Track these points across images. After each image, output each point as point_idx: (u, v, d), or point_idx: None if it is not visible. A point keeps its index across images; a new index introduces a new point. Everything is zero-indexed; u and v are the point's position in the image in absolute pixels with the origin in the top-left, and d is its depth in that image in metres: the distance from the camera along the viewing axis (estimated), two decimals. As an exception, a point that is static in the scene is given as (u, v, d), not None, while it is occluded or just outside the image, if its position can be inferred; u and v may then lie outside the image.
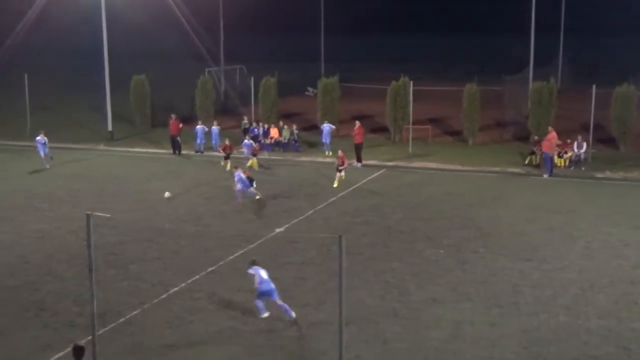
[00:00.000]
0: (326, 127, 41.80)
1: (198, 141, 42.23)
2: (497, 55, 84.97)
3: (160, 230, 27.23)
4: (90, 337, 15.23)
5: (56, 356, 17.57)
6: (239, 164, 31.80)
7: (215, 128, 42.71)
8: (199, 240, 26.32)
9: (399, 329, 19.14)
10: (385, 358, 17.75)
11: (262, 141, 43.19)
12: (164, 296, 21.14)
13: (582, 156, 38.33)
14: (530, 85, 45.88)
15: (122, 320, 19.54)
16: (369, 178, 35.92)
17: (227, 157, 37.24)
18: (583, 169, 37.54)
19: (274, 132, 43.59)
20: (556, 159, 37.49)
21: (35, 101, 49.41)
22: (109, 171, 37.75)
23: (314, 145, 43.38)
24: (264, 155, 40.03)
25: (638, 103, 41.40)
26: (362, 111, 49.17)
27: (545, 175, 35.95)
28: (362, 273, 22.69)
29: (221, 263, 23.80)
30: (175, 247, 25.53)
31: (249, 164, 36.78)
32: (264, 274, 19.69)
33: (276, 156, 40.73)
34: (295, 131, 43.46)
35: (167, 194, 30.40)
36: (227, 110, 54.18)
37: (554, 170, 36.33)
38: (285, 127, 43.79)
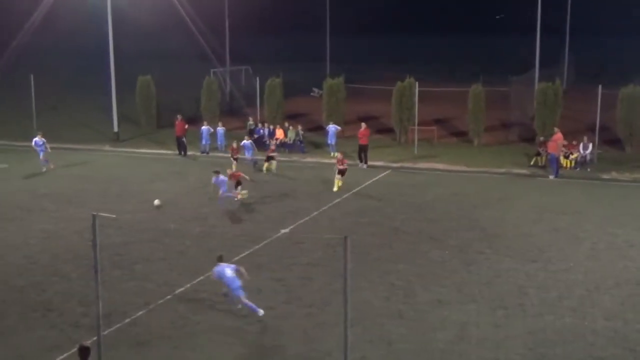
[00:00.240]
0: (332, 128, 41.80)
1: (203, 142, 42.28)
2: (502, 56, 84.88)
3: (165, 231, 27.26)
4: (95, 338, 15.25)
5: (62, 356, 17.59)
6: (220, 168, 31.25)
7: (220, 129, 42.75)
8: (204, 240, 26.34)
9: (404, 330, 19.13)
10: (390, 359, 17.74)
11: (268, 142, 43.20)
12: (169, 297, 21.16)
13: (588, 157, 38.26)
14: (536, 86, 45.81)
15: (127, 320, 19.56)
16: (375, 179, 35.91)
17: (236, 160, 36.73)
18: (589, 170, 37.48)
19: (279, 133, 43.59)
20: (562, 160, 37.43)
21: (41, 102, 49.52)
22: (114, 172, 37.81)
23: (320, 146, 43.41)
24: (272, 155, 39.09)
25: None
26: (367, 112, 49.18)
27: (551, 177, 35.90)
28: (367, 274, 22.68)
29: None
30: (180, 247, 25.56)
31: (265, 167, 36.66)
32: (229, 271, 19.66)
33: (281, 157, 40.69)
34: (301, 132, 43.48)
35: (156, 202, 29.38)
36: (232, 111, 54.22)
37: (560, 171, 36.27)
38: (291, 128, 43.81)
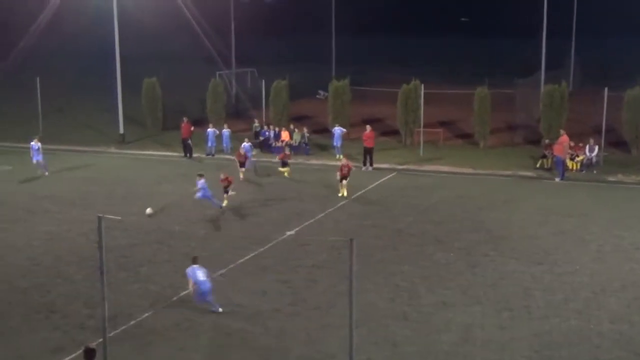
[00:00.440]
0: (337, 130, 41.76)
1: (209, 144, 42.26)
2: (507, 58, 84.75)
3: (170, 233, 27.30)
4: (100, 340, 15.24)
5: (67, 358, 17.60)
6: (203, 172, 30.53)
7: (225, 131, 42.75)
8: (210, 242, 26.36)
9: (409, 332, 19.10)
10: (395, 361, 17.73)
11: (273, 144, 43.23)
12: (174, 299, 21.17)
13: (594, 159, 38.16)
14: (542, 88, 45.71)
15: (132, 322, 19.57)
16: (380, 181, 35.88)
17: (242, 165, 36.02)
18: (595, 172, 37.38)
19: (284, 135, 43.58)
20: (568, 162, 37.33)
21: (46, 104, 49.58)
22: (120, 174, 37.85)
23: (325, 149, 43.38)
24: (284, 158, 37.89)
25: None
26: (372, 114, 49.15)
27: (557, 179, 35.82)
28: (372, 276, 22.66)
29: (232, 266, 23.82)
30: (185, 249, 25.53)
31: (284, 170, 36.01)
32: (201, 274, 19.81)
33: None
34: (306, 134, 43.45)
35: (148, 211, 28.92)
36: (238, 113, 54.22)
37: (566, 174, 36.19)
38: (296, 130, 43.80)
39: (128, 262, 24.05)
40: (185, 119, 42.38)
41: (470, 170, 38.43)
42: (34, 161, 36.73)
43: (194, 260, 20.41)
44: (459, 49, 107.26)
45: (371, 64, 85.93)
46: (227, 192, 30.70)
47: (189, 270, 20.16)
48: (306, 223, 28.66)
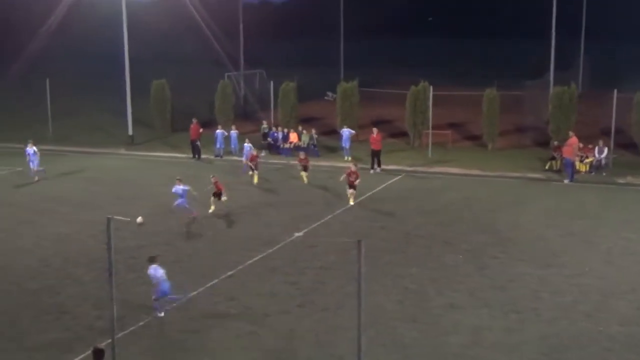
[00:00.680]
0: (346, 132, 41.79)
1: (217, 145, 42.34)
2: (516, 60, 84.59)
3: (179, 234, 27.36)
4: (109, 341, 15.28)
5: (76, 359, 17.65)
6: (181, 177, 29.88)
7: (233, 132, 42.80)
8: (218, 244, 26.40)
9: (418, 334, 19.09)
10: (403, 363, 17.73)
11: (282, 145, 43.28)
12: (183, 300, 21.18)
13: (603, 161, 38.05)
14: (551, 89, 45.61)
15: (141, 324, 19.61)
16: (388, 183, 35.88)
17: (255, 168, 35.37)
18: (604, 174, 37.28)
19: (293, 136, 43.65)
20: (577, 164, 37.24)
21: (56, 106, 49.76)
22: (128, 175, 37.96)
23: (334, 150, 43.41)
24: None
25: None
26: (381, 116, 49.15)
27: (566, 181, 35.74)
28: (380, 278, 22.65)
29: (240, 267, 23.84)
30: (193, 251, 25.61)
31: (304, 176, 35.35)
32: (160, 272, 19.80)
33: (295, 161, 40.68)
34: (315, 136, 43.48)
35: (139, 219, 27.66)
36: (246, 114, 54.31)
37: (575, 176, 36.10)
38: (305, 131, 43.84)
39: (137, 264, 24.07)
40: (194, 121, 42.49)
41: (478, 172, 38.38)
42: (31, 166, 36.10)
43: (153, 260, 20.20)
44: (468, 50, 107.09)
45: (380, 66, 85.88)
46: (216, 196, 29.98)
47: (151, 270, 20.03)
48: (314, 225, 28.67)
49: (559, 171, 37.49)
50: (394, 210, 30.92)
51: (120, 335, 17.44)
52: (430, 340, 18.77)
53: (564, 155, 36.56)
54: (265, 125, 45.62)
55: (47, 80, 47.81)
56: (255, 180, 34.96)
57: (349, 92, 46.55)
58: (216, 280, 22.61)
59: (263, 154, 38.88)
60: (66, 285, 22.48)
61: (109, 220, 14.45)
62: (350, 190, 31.37)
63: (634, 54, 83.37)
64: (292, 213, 30.44)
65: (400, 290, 21.99)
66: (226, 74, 55.65)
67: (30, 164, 36.29)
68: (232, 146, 42.60)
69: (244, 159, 37.43)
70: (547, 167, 38.30)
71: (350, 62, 71.55)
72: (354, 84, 47.10)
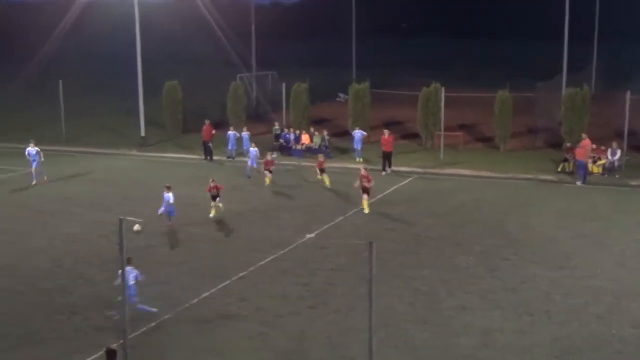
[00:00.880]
0: (357, 133, 41.77)
1: (229, 147, 42.39)
2: (529, 61, 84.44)
3: (190, 235, 27.40)
4: (121, 341, 15.34)
5: (87, 359, 17.72)
6: (171, 184, 29.02)
7: (245, 134, 42.82)
8: (230, 245, 26.44)
9: (429, 336, 19.07)
10: (414, 365, 17.71)
11: (293, 147, 43.32)
12: (194, 301, 21.23)
13: (616, 163, 37.87)
14: (564, 91, 45.47)
15: (152, 324, 19.65)
16: (400, 184, 35.85)
17: (270, 172, 34.85)
18: (617, 176, 37.12)
19: (305, 138, 43.69)
20: (590, 166, 37.10)
21: (69, 106, 49.98)
22: (140, 176, 38.08)
23: (345, 152, 43.40)
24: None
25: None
26: (392, 117, 49.13)
27: (579, 183, 35.61)
28: (391, 280, 22.63)
29: (252, 268, 23.86)
30: (205, 252, 25.66)
31: (319, 178, 34.90)
32: (131, 277, 19.30)
33: (307, 162, 40.73)
34: (326, 137, 43.49)
35: (136, 227, 27.51)
36: (258, 115, 54.39)
37: (588, 178, 35.96)
38: (316, 133, 43.86)
39: (147, 264, 24.13)
40: (207, 122, 42.56)
41: (490, 174, 38.29)
42: (33, 168, 35.67)
43: (128, 261, 19.47)
44: (480, 52, 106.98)
45: (391, 67, 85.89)
46: (214, 199, 29.73)
47: (127, 270, 19.78)
48: (326, 226, 28.67)
49: (571, 173, 37.37)
50: (405, 211, 30.88)
51: (132, 336, 17.50)
52: (441, 342, 18.74)
53: (577, 157, 36.40)
54: (277, 126, 45.67)
55: (60, 82, 48.02)
56: (268, 182, 34.96)
57: (360, 94, 46.55)
58: (228, 282, 22.65)
59: (274, 155, 38.87)
60: (78, 286, 22.57)
61: (121, 221, 14.53)
62: (365, 196, 30.56)
63: (639, 54, 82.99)
64: (303, 215, 30.45)
65: (412, 292, 21.96)
66: (238, 75, 55.76)
67: (34, 163, 35.85)
68: (244, 147, 42.61)
69: (248, 162, 37.48)
70: (559, 169, 38.17)
71: (362, 64, 71.60)
72: (365, 85, 47.10)
